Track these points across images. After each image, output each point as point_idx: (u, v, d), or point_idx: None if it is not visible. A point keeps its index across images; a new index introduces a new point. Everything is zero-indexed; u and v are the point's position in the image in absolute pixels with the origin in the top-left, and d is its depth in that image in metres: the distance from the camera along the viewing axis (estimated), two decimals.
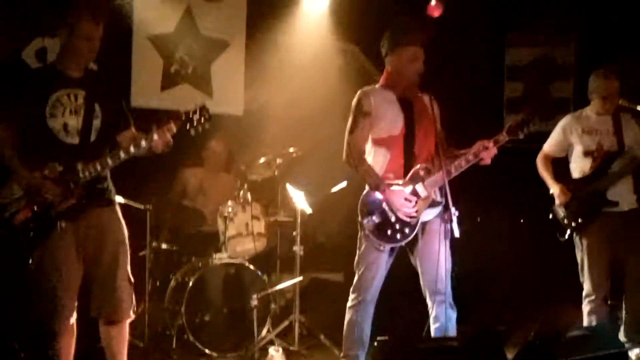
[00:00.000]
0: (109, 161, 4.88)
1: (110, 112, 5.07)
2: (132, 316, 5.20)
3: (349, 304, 5.57)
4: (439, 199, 5.40)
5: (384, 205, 5.34)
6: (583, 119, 6.58)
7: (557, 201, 6.53)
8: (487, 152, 5.33)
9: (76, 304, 5.04)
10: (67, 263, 4.92)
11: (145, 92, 8.56)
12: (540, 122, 5.48)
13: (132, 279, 5.18)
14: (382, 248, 5.40)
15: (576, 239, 6.48)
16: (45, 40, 7.88)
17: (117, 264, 5.05)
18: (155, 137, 4.88)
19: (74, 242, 4.93)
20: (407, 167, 5.44)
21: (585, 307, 6.42)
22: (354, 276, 5.60)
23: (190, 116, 4.99)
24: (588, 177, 6.44)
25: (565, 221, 6.45)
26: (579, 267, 6.49)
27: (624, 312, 6.54)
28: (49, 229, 4.83)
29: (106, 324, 5.11)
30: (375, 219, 5.34)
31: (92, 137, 4.97)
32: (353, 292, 5.56)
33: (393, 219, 5.34)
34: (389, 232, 5.35)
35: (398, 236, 5.36)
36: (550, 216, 6.60)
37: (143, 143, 4.89)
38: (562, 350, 4.71)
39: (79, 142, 4.92)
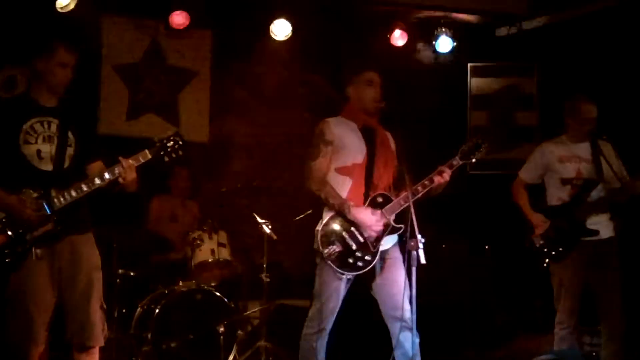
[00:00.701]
0: (84, 187, 4.87)
1: (83, 141, 5.05)
2: (103, 343, 5.15)
3: (307, 331, 5.54)
4: (397, 225, 5.42)
5: (344, 234, 5.36)
6: (561, 145, 6.47)
7: (536, 231, 6.41)
8: (441, 176, 5.38)
9: (47, 331, 5.00)
10: (42, 289, 4.87)
11: (112, 120, 8.63)
12: (491, 147, 5.53)
13: (105, 306, 5.17)
14: (343, 277, 5.39)
15: (552, 267, 6.38)
16: (14, 70, 7.90)
17: (91, 289, 5.00)
18: (125, 164, 4.90)
19: (49, 269, 4.88)
20: (367, 196, 5.48)
21: (558, 334, 6.34)
22: None
23: (165, 143, 5.03)
24: (566, 206, 6.33)
25: (545, 250, 6.35)
26: (555, 294, 6.39)
27: (603, 338, 6.38)
28: (24, 255, 4.80)
29: (79, 350, 5.04)
30: (337, 248, 5.34)
31: (66, 164, 4.96)
32: (313, 321, 5.52)
33: (354, 247, 5.35)
34: (350, 260, 5.35)
35: (360, 264, 5.36)
36: (528, 245, 6.46)
37: (116, 170, 4.90)
38: None
39: (52, 168, 4.90)
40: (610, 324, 6.31)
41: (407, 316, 5.35)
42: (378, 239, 5.40)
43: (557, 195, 6.43)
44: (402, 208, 5.35)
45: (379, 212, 5.40)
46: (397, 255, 5.49)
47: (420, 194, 5.34)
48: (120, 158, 4.93)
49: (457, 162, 5.44)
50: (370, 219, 5.35)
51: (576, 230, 6.27)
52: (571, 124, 6.44)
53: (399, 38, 9.00)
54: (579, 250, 6.26)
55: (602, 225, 6.31)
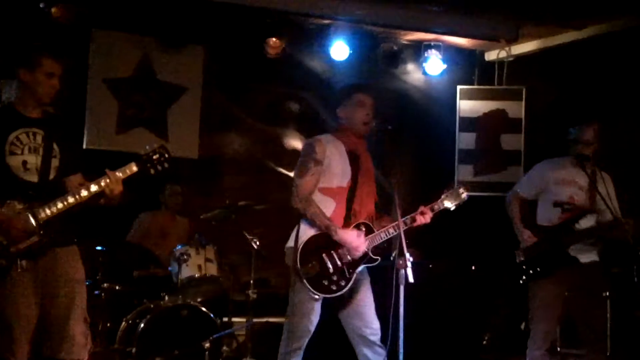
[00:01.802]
0: (70, 199, 4.83)
1: (68, 153, 5.04)
2: (86, 357, 5.10)
3: (284, 350, 5.53)
4: (374, 256, 5.47)
5: (324, 255, 5.38)
6: (562, 167, 6.42)
7: (522, 244, 6.37)
8: (423, 217, 5.46)
9: (30, 345, 4.92)
10: (24, 302, 4.82)
11: (100, 134, 8.64)
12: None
13: (89, 319, 5.13)
14: (317, 297, 5.40)
15: (531, 286, 6.35)
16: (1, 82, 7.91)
17: (73, 302, 4.96)
18: (112, 176, 4.90)
19: (32, 281, 4.83)
20: (347, 221, 5.50)
21: (532, 354, 6.30)
22: None
23: (151, 156, 5.03)
24: (554, 229, 6.30)
25: (523, 267, 6.32)
26: (531, 314, 6.39)
27: None
28: (9, 268, 4.75)
29: None
30: (315, 268, 5.35)
31: (51, 176, 4.94)
32: (289, 339, 5.50)
33: (331, 270, 5.36)
34: (325, 282, 5.36)
35: (333, 287, 5.37)
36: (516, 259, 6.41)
37: (102, 182, 4.89)
38: None
39: (38, 180, 4.88)
40: (592, 351, 6.28)
41: (377, 335, 5.43)
42: (355, 266, 5.42)
43: (546, 216, 6.41)
44: (382, 241, 5.44)
45: (363, 234, 5.43)
46: (366, 277, 5.58)
47: (401, 230, 5.24)
48: (106, 170, 4.91)
49: (438, 206, 5.56)
50: (357, 240, 5.37)
51: (558, 255, 6.24)
52: (576, 148, 6.40)
53: (387, 60, 9.09)
54: (558, 274, 6.23)
55: (583, 252, 6.26)
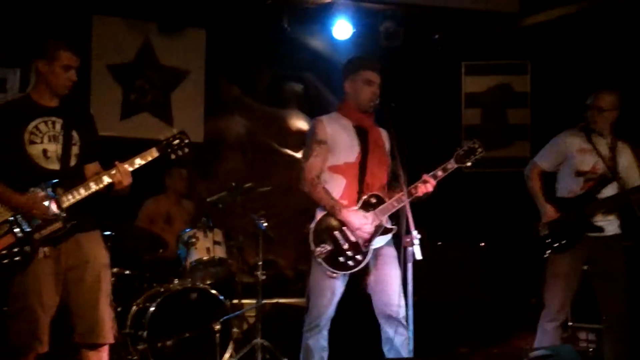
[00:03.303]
0: (93, 186, 4.89)
1: (87, 139, 5.07)
2: (113, 340, 5.15)
3: (304, 328, 5.56)
4: (389, 226, 5.43)
5: (336, 233, 5.36)
6: (581, 137, 6.30)
7: (543, 219, 6.27)
8: (425, 186, 5.37)
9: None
10: (47, 288, 4.87)
11: (105, 120, 8.50)
12: (486, 151, 5.51)
13: (113, 303, 5.19)
14: (334, 275, 5.39)
15: (551, 258, 6.25)
16: (4, 71, 7.90)
17: (100, 287, 5.02)
18: (121, 169, 4.91)
19: (54, 268, 4.88)
20: (361, 195, 5.47)
21: (544, 326, 6.24)
22: None
23: (171, 141, 5.06)
24: (577, 199, 6.21)
25: (548, 241, 6.23)
26: (546, 286, 6.29)
27: (606, 337, 6.36)
28: (32, 255, 4.79)
29: (88, 349, 5.04)
30: (328, 246, 5.34)
31: (72, 163, 4.97)
32: (307, 317, 5.54)
33: (345, 246, 5.34)
34: (341, 259, 5.34)
35: (350, 263, 5.35)
36: (534, 233, 6.31)
37: (126, 167, 4.90)
38: None
39: (59, 167, 4.92)
40: (613, 323, 6.21)
41: (400, 313, 5.37)
42: (369, 239, 5.39)
43: (569, 187, 6.30)
44: (394, 209, 5.36)
45: (371, 213, 5.39)
46: (390, 253, 5.49)
47: (407, 207, 5.28)
48: (116, 163, 4.93)
49: (451, 165, 5.45)
50: (360, 222, 5.34)
51: (582, 224, 6.16)
52: (593, 115, 6.28)
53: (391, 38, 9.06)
54: (581, 244, 6.15)
55: (608, 222, 6.20)
